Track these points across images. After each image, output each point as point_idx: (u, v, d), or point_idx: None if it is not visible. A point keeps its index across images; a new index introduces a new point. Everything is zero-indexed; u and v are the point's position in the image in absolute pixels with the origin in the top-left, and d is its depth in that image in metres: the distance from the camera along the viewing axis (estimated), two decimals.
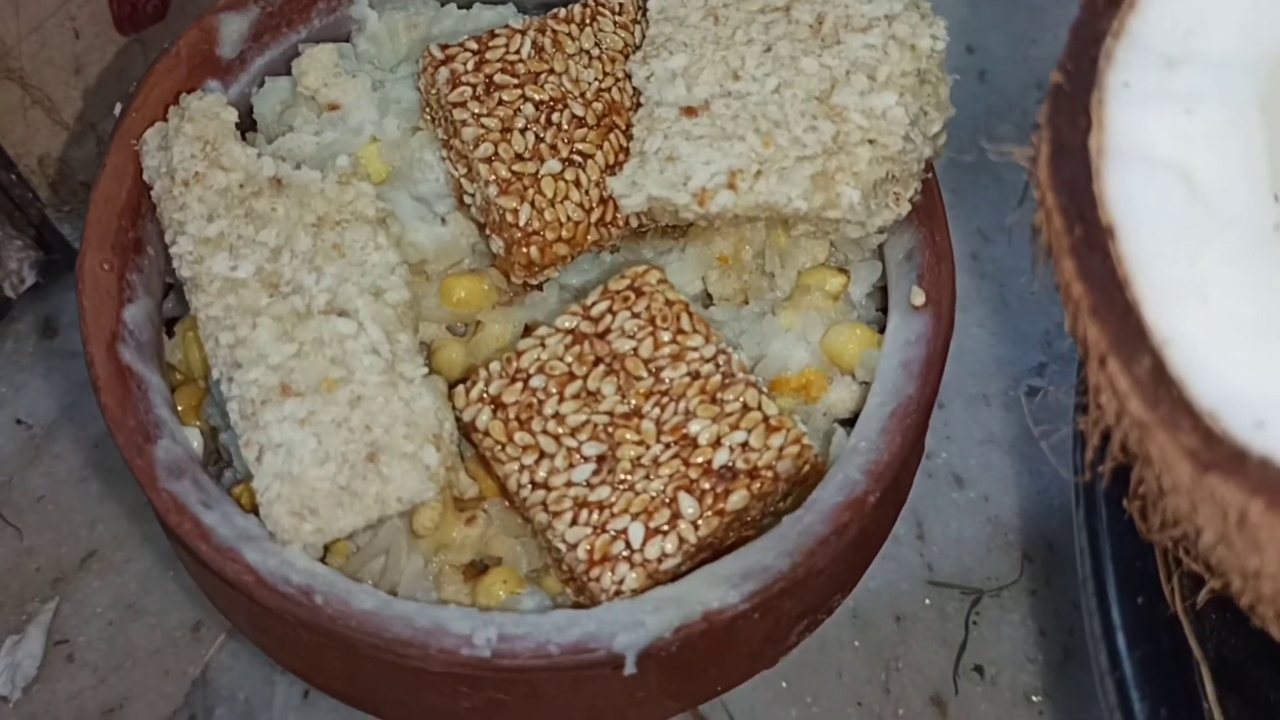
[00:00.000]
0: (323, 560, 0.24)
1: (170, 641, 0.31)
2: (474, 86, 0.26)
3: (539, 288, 0.27)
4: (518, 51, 0.26)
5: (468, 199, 0.26)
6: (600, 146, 0.26)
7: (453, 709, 0.24)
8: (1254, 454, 0.15)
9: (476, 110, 0.26)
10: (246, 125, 0.28)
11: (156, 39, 0.34)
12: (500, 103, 0.26)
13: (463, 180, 0.26)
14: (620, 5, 0.27)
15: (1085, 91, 0.18)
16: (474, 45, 0.26)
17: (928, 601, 0.33)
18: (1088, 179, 0.17)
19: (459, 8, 0.29)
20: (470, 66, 0.26)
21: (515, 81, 0.26)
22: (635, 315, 0.24)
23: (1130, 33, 0.18)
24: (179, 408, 0.25)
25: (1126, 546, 0.20)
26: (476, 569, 0.25)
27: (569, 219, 0.26)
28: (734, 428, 0.24)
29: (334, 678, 0.24)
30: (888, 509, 0.25)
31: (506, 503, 0.24)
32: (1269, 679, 0.20)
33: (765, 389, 0.24)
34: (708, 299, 0.27)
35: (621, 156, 0.26)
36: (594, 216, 0.26)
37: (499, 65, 0.26)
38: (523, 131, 0.26)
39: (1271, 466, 0.15)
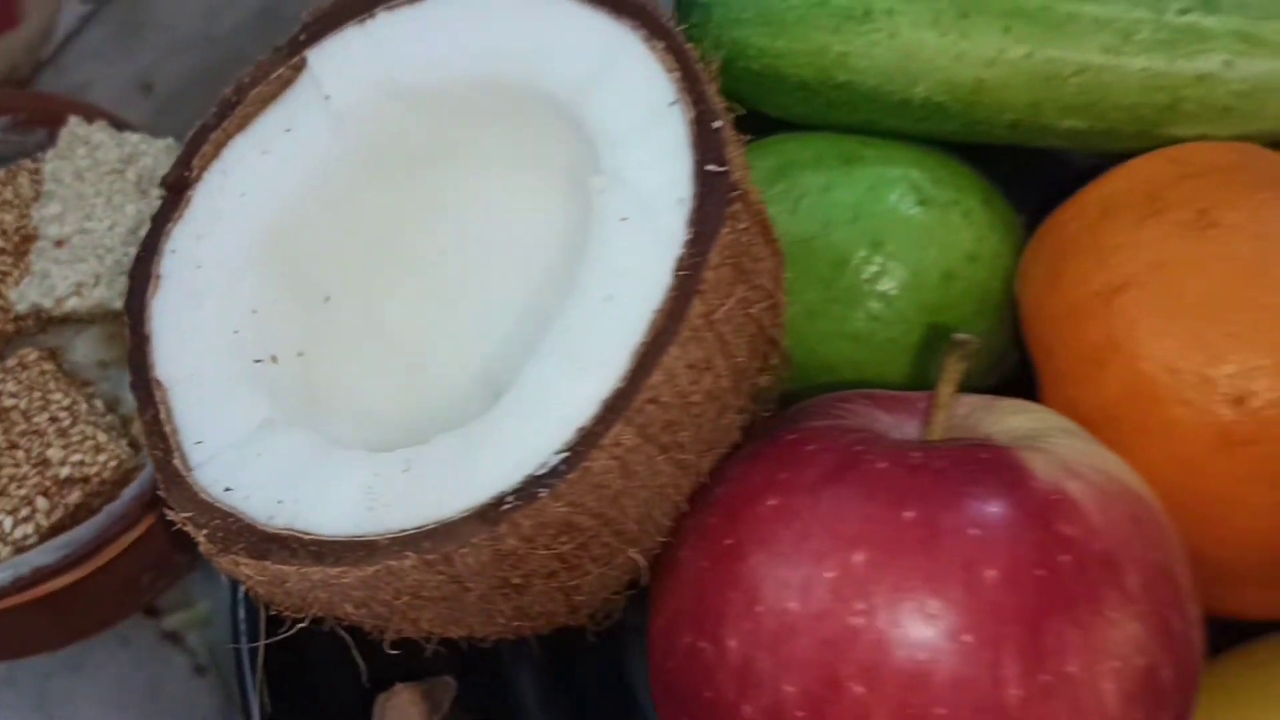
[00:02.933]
0: None
1: None
2: None
3: None
4: None
5: None
6: (16, 268, 0.39)
7: None
8: (185, 470, 0.28)
9: None
10: None
11: None
12: None
13: None
14: (37, 169, 0.40)
15: (151, 256, 0.31)
16: None
17: None
18: (143, 302, 0.30)
19: None
20: None
21: None
22: (19, 382, 0.37)
23: (182, 218, 0.31)
24: None
25: None
26: None
27: None
28: (76, 451, 0.37)
29: None
30: None
31: None
32: None
33: (107, 424, 0.38)
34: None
35: None
36: (11, 316, 0.39)
37: None
38: None
39: (181, 477, 0.28)
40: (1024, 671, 0.23)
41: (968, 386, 0.34)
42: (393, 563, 0.24)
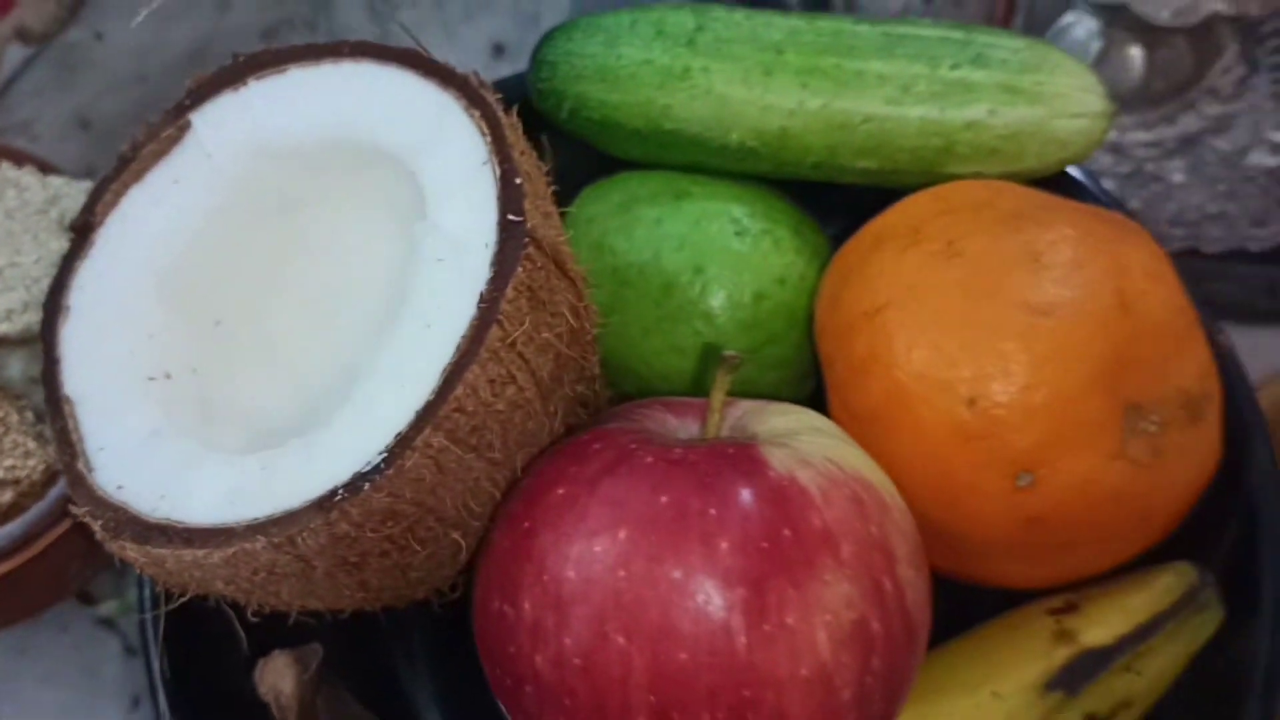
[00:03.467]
0: None
1: None
2: None
3: None
4: None
5: None
6: None
7: None
8: (86, 472, 0.34)
9: None
10: None
11: None
12: None
13: None
14: None
15: (61, 290, 0.36)
16: None
17: None
18: (55, 329, 0.36)
19: None
20: None
21: None
22: None
23: (87, 257, 0.36)
24: None
25: None
26: None
27: None
28: (9, 458, 0.42)
29: None
30: None
31: None
32: None
33: (36, 433, 0.43)
34: None
35: None
36: None
37: None
38: None
39: (83, 478, 0.33)
40: (749, 623, 0.29)
41: (779, 395, 0.40)
42: (247, 545, 0.30)
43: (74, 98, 0.63)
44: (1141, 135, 0.56)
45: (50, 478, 0.42)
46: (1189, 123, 0.57)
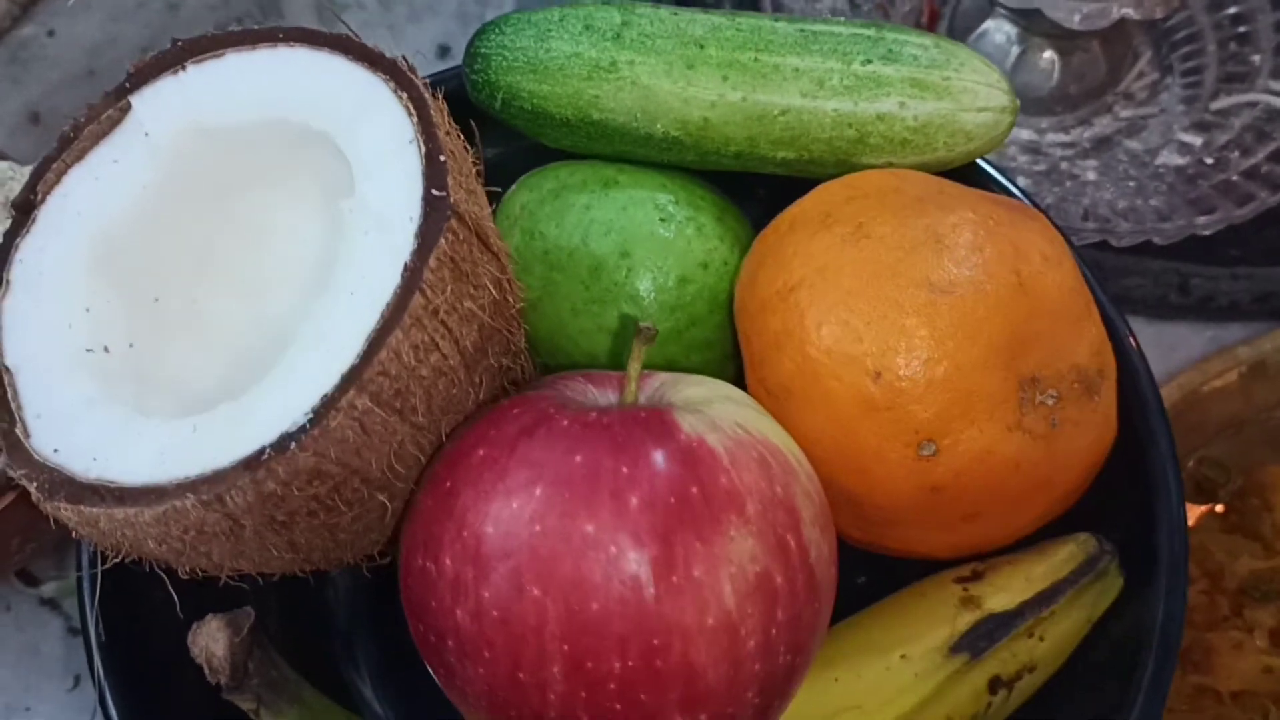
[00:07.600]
0: None
1: None
2: None
3: None
4: None
5: None
6: None
7: None
8: (24, 437, 0.35)
9: None
10: None
11: None
12: None
13: None
14: None
15: (2, 265, 0.37)
16: None
17: None
18: None
19: None
20: None
21: None
22: None
23: (29, 233, 0.37)
24: None
25: None
26: None
27: None
28: None
29: None
30: None
31: None
32: None
33: None
34: None
35: None
36: None
37: None
38: None
39: (21, 442, 0.34)
40: (658, 575, 0.30)
41: (705, 372, 0.41)
42: (177, 503, 0.31)
43: (25, 92, 0.64)
44: (1059, 136, 0.59)
45: None
46: (1104, 125, 0.59)
